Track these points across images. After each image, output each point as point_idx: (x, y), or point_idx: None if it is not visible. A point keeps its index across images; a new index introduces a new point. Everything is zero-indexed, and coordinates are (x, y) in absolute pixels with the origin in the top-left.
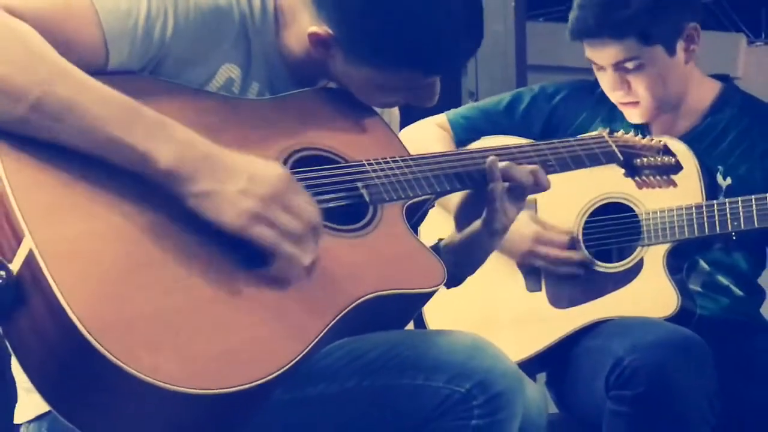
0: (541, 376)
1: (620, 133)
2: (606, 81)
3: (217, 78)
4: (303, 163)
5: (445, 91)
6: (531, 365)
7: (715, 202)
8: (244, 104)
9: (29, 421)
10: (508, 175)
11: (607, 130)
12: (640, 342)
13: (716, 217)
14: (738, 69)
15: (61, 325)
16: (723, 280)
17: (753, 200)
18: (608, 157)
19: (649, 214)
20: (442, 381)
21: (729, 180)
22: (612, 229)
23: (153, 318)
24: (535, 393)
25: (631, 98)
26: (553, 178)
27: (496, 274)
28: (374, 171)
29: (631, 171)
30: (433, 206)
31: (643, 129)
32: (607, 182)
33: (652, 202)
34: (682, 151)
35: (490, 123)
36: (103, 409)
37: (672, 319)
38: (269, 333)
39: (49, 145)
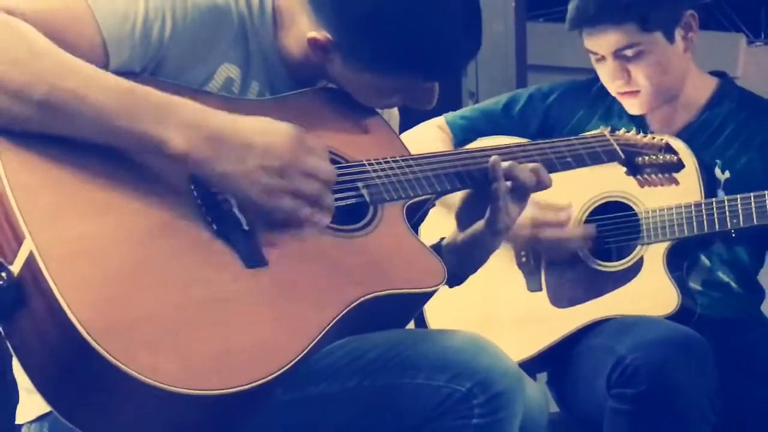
0: (542, 375)
1: (622, 131)
2: (605, 71)
3: (216, 78)
4: None
5: (446, 92)
6: (532, 365)
7: (714, 200)
8: (244, 104)
9: (31, 422)
10: (510, 174)
11: (609, 128)
12: (641, 340)
13: (715, 215)
14: (737, 69)
15: (61, 327)
16: (723, 276)
17: (752, 198)
18: (610, 156)
19: (648, 212)
20: (442, 380)
21: (727, 173)
22: (612, 228)
23: (153, 319)
24: (536, 392)
25: (631, 87)
26: (553, 177)
27: (497, 273)
28: (374, 171)
29: (633, 169)
30: (434, 206)
31: (641, 124)
32: (606, 181)
33: (651, 200)
34: (681, 149)
35: (489, 123)
36: (103, 410)
37: (672, 317)
38: (269, 333)
39: (49, 145)
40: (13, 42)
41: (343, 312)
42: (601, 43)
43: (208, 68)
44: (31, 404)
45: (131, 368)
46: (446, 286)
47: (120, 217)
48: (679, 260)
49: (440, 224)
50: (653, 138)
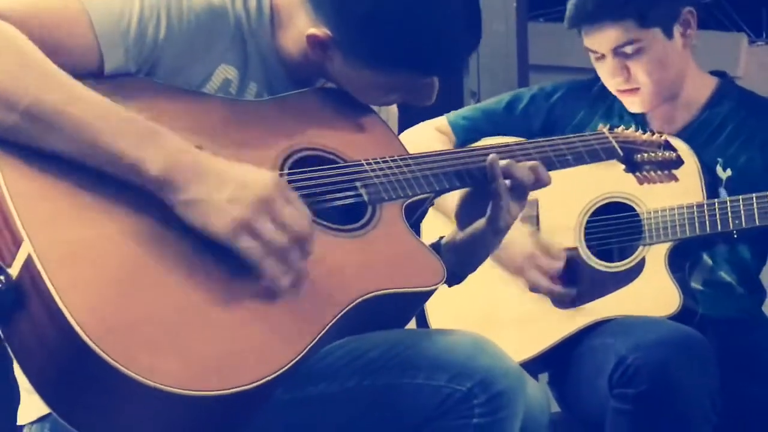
0: (544, 376)
1: (620, 128)
2: (605, 69)
3: (213, 79)
4: (302, 163)
5: (447, 92)
6: (534, 365)
7: (716, 200)
8: (242, 105)
9: (32, 423)
10: (508, 172)
11: (608, 126)
12: (642, 341)
13: (717, 216)
14: (739, 68)
15: (60, 329)
16: (725, 276)
17: (754, 198)
18: (608, 153)
19: (650, 213)
20: (443, 380)
21: (729, 171)
22: (613, 229)
23: (151, 320)
24: (537, 391)
25: (631, 85)
26: (555, 179)
27: (499, 273)
28: (373, 170)
29: (632, 167)
30: (433, 204)
31: (642, 123)
32: (608, 182)
33: (653, 201)
34: (683, 150)
35: (491, 123)
36: (102, 411)
37: (674, 317)
38: (269, 334)
39: (46, 151)
40: (3, 51)
41: (343, 312)
42: (600, 40)
43: (205, 69)
44: (32, 405)
45: (130, 370)
46: (445, 285)
47: (118, 219)
48: (681, 261)
49: (435, 226)
50: (652, 135)
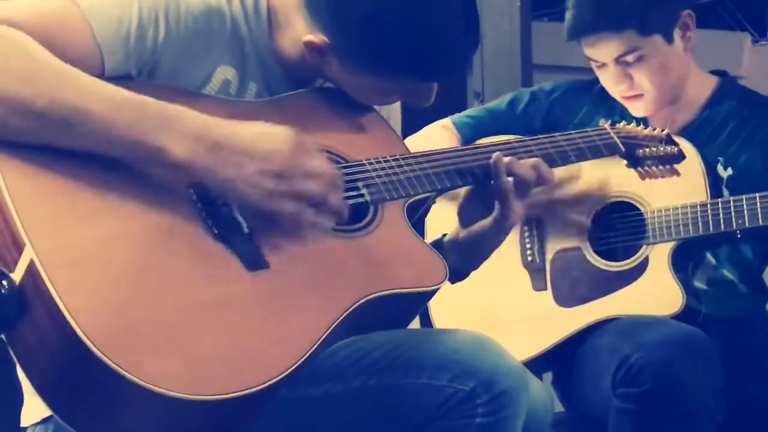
0: (548, 375)
1: (622, 124)
2: (608, 77)
3: (213, 81)
4: None
5: (451, 92)
6: (537, 364)
7: (719, 200)
8: (243, 107)
9: (35, 424)
10: (510, 170)
11: (609, 121)
12: (646, 340)
13: (721, 215)
14: (742, 68)
15: (63, 334)
16: (728, 275)
17: (757, 198)
18: (610, 149)
19: (654, 212)
20: (446, 380)
21: (730, 170)
22: (618, 228)
23: (155, 324)
24: (541, 391)
25: (635, 91)
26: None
27: (502, 272)
28: (374, 170)
29: (634, 162)
30: (435, 203)
31: (643, 122)
32: (613, 183)
33: (657, 201)
34: (687, 149)
35: (495, 122)
36: (105, 415)
37: (678, 317)
38: (272, 336)
39: (47, 153)
40: (12, 54)
41: (345, 313)
42: (601, 50)
43: (205, 71)
44: (35, 407)
45: (133, 374)
46: (448, 283)
47: (120, 222)
48: (685, 260)
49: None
50: (654, 130)
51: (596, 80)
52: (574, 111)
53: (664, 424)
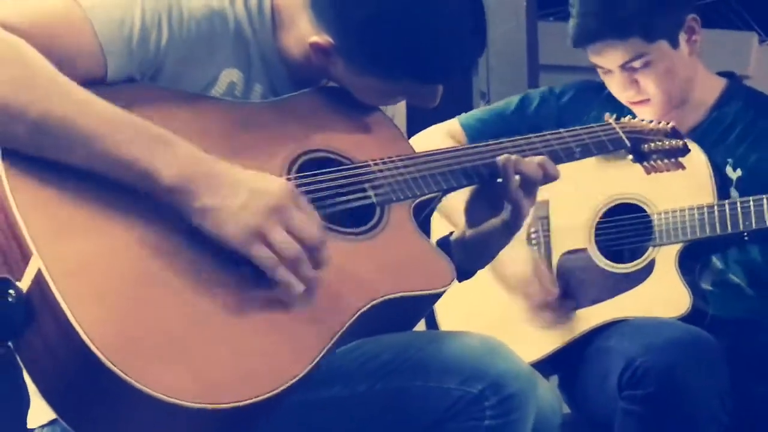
0: (554, 377)
1: (627, 118)
2: (614, 83)
3: (219, 84)
4: (310, 165)
5: (457, 92)
6: (543, 366)
7: (726, 201)
8: (248, 108)
9: (42, 426)
10: (516, 169)
11: (614, 116)
12: (652, 342)
13: (728, 217)
14: (749, 68)
15: (71, 343)
16: (734, 277)
17: (764, 199)
18: (615, 144)
19: (660, 214)
20: (454, 383)
21: (739, 171)
22: (624, 230)
23: (163, 333)
24: (549, 393)
25: (642, 96)
26: (566, 180)
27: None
28: (380, 171)
29: (639, 156)
30: (440, 202)
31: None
32: (618, 183)
33: (663, 202)
34: (694, 150)
35: (503, 125)
36: (112, 423)
37: (684, 319)
38: (280, 343)
39: (54, 163)
40: (10, 62)
41: (352, 319)
42: (607, 58)
43: (209, 73)
44: (42, 409)
45: (141, 383)
46: (455, 282)
47: (126, 231)
48: (692, 262)
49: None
50: (658, 123)
51: None
52: (585, 113)
53: (669, 426)
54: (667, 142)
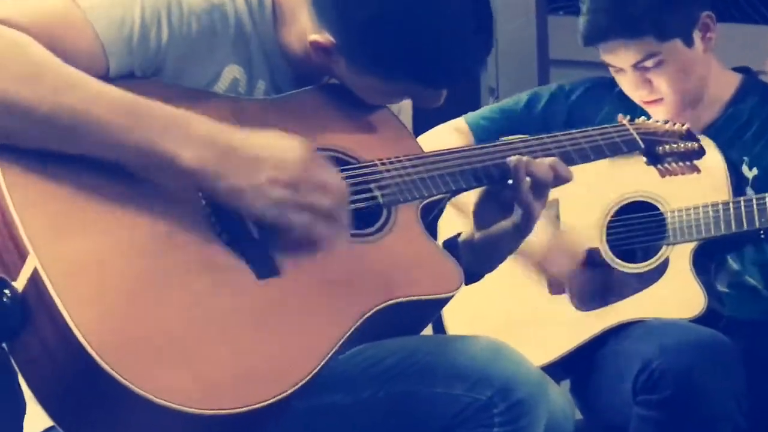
0: (565, 382)
1: (641, 119)
2: (627, 82)
3: (222, 80)
4: None
5: (465, 88)
6: (554, 370)
7: (741, 198)
8: (253, 105)
9: None
10: (527, 171)
11: (628, 117)
12: (667, 344)
13: (743, 214)
14: (766, 63)
15: (68, 345)
16: (751, 280)
17: None
18: (630, 146)
19: (674, 212)
20: (462, 389)
21: (755, 170)
22: (636, 228)
23: (162, 335)
24: (561, 398)
25: (655, 96)
26: (577, 178)
27: (518, 276)
28: (387, 171)
29: (653, 159)
30: (449, 201)
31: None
32: (630, 181)
33: (677, 200)
34: (708, 146)
35: (511, 123)
36: (111, 429)
37: (699, 320)
38: (284, 346)
39: (52, 160)
40: (16, 58)
41: (358, 322)
42: (620, 57)
43: (212, 70)
44: (39, 415)
45: (139, 387)
46: (463, 285)
47: (125, 230)
48: (707, 262)
49: (457, 222)
50: (674, 125)
51: None
52: (596, 111)
53: (686, 429)
54: (682, 145)
